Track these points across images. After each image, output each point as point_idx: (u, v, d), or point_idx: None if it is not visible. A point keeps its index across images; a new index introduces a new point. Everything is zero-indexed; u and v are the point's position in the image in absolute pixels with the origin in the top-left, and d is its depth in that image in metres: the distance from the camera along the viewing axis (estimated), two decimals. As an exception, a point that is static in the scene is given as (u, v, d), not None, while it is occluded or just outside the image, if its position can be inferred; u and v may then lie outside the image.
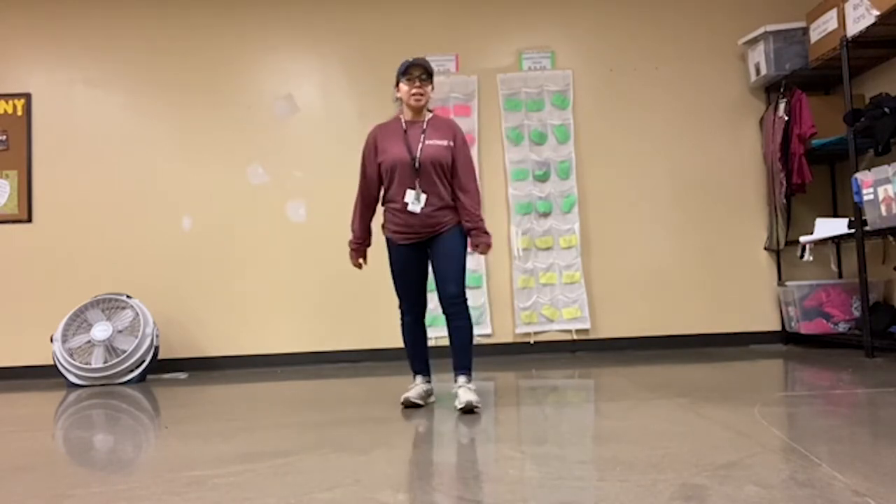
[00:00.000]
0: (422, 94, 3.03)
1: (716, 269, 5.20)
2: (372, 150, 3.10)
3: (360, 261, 3.23)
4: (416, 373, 3.19)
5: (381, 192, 3.15)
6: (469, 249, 3.08)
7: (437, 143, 3.03)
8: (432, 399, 3.20)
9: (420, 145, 3.02)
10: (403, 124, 3.09)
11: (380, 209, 3.19)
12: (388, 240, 3.12)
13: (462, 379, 3.00)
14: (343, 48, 5.36)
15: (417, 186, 2.98)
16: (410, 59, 3.05)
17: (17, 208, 5.20)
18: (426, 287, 3.14)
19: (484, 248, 3.05)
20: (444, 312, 3.03)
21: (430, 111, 3.13)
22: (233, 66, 5.33)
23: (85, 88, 5.31)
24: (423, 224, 3.01)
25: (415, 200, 2.99)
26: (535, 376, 3.98)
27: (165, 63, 5.32)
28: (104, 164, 5.25)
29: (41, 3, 5.33)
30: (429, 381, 3.18)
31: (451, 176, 3.06)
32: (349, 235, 3.23)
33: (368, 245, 3.24)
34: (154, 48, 5.33)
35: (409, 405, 3.06)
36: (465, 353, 3.02)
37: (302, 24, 5.37)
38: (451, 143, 3.05)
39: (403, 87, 3.04)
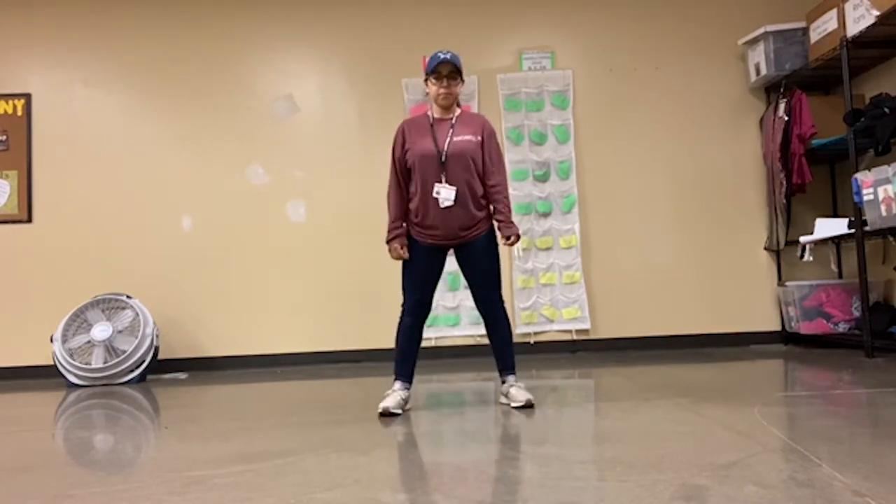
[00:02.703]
0: (449, 94, 3.00)
1: (716, 269, 5.20)
2: (400, 142, 3.06)
3: (403, 249, 3.02)
4: (398, 377, 3.06)
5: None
6: (499, 241, 3.06)
7: (466, 137, 3.00)
8: (408, 407, 3.09)
9: (448, 140, 2.98)
10: (431, 119, 3.06)
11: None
12: (410, 239, 3.07)
13: (511, 378, 3.09)
14: (343, 48, 5.36)
15: (443, 180, 2.95)
16: (440, 55, 2.97)
17: (17, 208, 5.20)
18: (435, 290, 3.08)
19: (514, 238, 3.01)
20: (482, 314, 3.09)
21: (458, 106, 3.10)
22: (233, 66, 5.33)
23: (85, 88, 5.31)
24: (455, 225, 2.97)
25: (447, 196, 2.94)
26: (535, 377, 3.98)
27: (165, 63, 5.32)
28: (104, 164, 5.26)
29: (41, 4, 5.34)
30: (408, 389, 3.07)
31: (480, 172, 3.02)
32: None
33: (406, 232, 3.07)
34: (154, 48, 5.33)
35: (386, 414, 2.90)
36: (509, 353, 3.11)
37: (302, 25, 5.37)
38: (479, 138, 3.02)
39: (432, 85, 3.01)
